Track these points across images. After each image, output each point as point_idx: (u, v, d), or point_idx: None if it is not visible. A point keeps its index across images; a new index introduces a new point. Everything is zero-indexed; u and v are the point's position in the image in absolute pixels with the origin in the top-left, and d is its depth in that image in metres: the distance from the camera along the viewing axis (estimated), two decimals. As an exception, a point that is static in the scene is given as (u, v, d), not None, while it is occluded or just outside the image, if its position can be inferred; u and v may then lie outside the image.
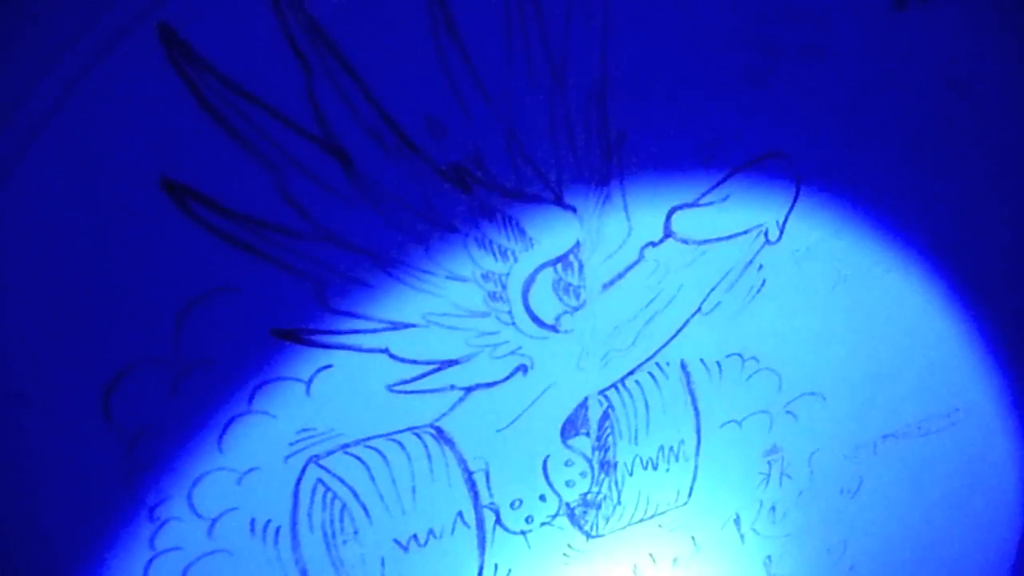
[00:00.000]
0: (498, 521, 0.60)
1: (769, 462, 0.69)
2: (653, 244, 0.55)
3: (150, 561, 0.51)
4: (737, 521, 0.70)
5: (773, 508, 0.71)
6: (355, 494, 0.55)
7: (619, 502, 0.64)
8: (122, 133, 0.42)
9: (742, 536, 0.71)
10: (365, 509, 0.55)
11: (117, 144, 0.42)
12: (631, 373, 0.59)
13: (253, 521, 0.53)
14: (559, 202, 0.52)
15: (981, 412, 0.74)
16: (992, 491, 0.82)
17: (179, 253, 0.45)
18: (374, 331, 0.51)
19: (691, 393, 0.62)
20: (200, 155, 0.43)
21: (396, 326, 0.51)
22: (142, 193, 0.43)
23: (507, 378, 0.55)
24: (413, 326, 0.52)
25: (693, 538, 0.69)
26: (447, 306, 0.52)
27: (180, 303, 0.46)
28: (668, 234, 0.55)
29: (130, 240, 0.44)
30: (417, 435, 0.55)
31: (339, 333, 0.50)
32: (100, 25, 0.41)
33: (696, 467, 0.65)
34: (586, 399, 0.59)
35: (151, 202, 0.44)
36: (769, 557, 0.73)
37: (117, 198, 0.43)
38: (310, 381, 0.51)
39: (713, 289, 0.58)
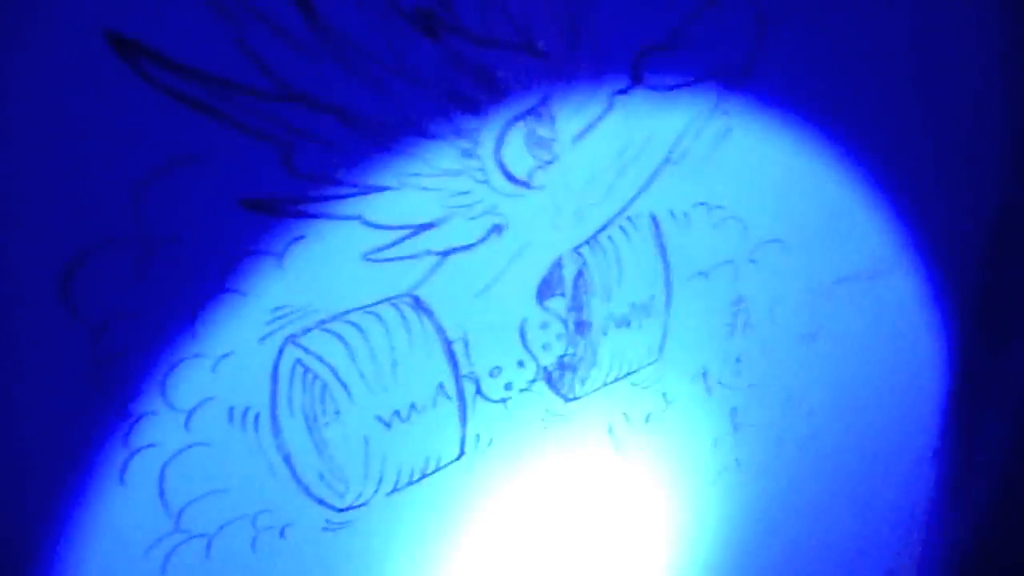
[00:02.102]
0: (478, 391, 0.59)
1: (734, 312, 0.69)
2: (622, 92, 0.53)
3: (126, 463, 0.48)
4: (705, 375, 0.71)
5: (738, 359, 0.72)
6: (335, 373, 0.53)
7: (595, 363, 0.63)
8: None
9: (709, 389, 0.72)
10: (346, 388, 0.53)
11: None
12: (604, 228, 0.58)
13: (231, 410, 0.51)
14: (529, 49, 0.49)
15: (926, 254, 0.76)
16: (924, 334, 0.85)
17: (133, 119, 0.41)
18: (347, 196, 0.48)
19: (661, 246, 0.61)
20: (148, 4, 0.40)
21: (368, 190, 0.49)
22: (89, 52, 0.39)
23: (482, 239, 0.54)
24: (386, 189, 0.49)
25: (664, 394, 0.69)
26: (420, 165, 0.50)
27: (139, 175, 0.43)
28: (636, 81, 0.54)
29: (79, 106, 0.40)
30: (395, 306, 0.53)
31: (310, 200, 0.47)
32: None
33: (667, 322, 0.65)
34: (560, 258, 0.58)
35: (99, 63, 0.40)
36: (735, 408, 0.75)
37: (62, 59, 0.39)
38: (283, 254, 0.48)
39: (681, 135, 0.57)
